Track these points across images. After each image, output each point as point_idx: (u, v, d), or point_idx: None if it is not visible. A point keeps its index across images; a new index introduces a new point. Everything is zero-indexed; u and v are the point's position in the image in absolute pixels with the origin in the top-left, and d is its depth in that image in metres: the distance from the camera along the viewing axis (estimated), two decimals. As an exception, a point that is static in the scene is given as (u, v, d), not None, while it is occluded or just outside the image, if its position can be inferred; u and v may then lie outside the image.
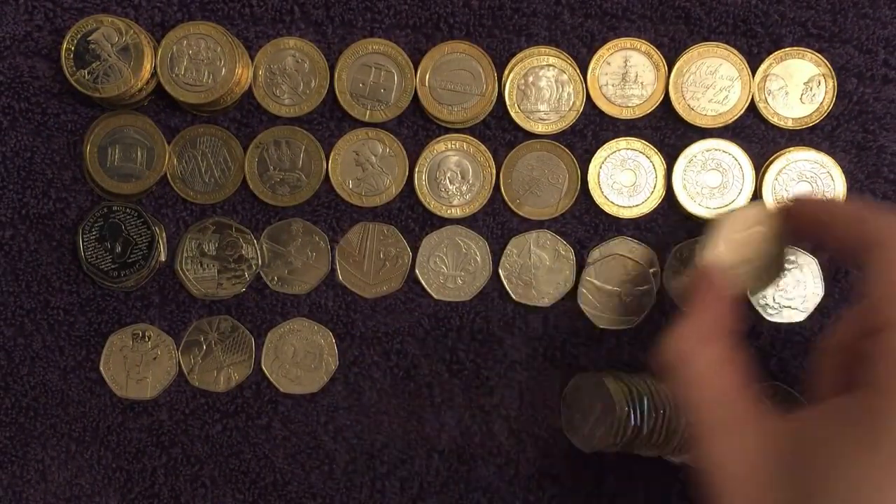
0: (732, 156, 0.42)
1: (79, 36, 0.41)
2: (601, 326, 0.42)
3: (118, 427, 0.43)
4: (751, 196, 0.42)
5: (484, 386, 0.43)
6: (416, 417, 0.43)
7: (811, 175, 0.42)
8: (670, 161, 0.42)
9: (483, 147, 0.42)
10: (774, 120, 0.42)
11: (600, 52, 0.42)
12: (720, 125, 0.42)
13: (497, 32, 0.42)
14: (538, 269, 0.42)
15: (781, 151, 0.42)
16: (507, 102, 0.42)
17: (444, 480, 0.43)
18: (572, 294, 0.42)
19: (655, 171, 0.42)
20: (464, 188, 0.42)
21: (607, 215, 0.43)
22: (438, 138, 0.43)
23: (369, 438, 0.43)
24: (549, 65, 0.42)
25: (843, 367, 0.31)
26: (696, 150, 0.42)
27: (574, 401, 0.42)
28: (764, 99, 0.42)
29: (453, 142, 0.43)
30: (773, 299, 0.42)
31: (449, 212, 0.42)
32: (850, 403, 0.27)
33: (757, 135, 0.43)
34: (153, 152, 0.42)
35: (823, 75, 0.42)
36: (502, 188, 0.43)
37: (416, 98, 0.42)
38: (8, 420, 0.43)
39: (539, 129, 0.42)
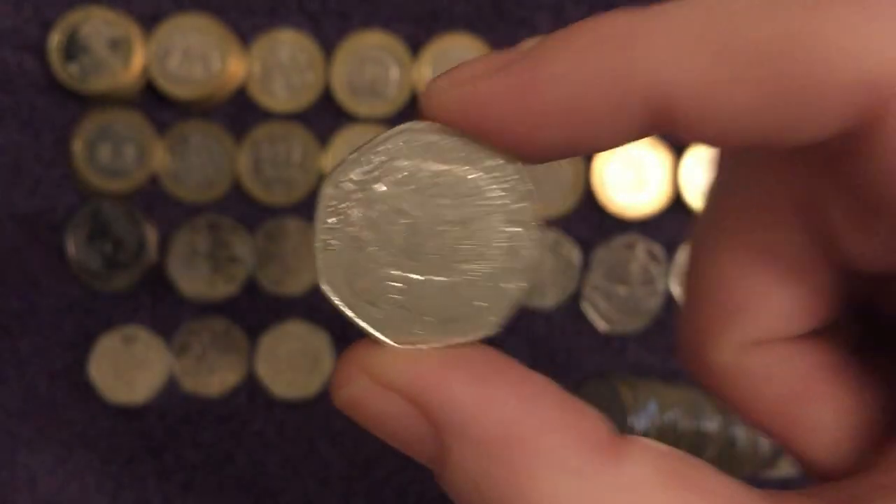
0: (741, 153, 0.42)
1: (68, 29, 0.40)
2: (606, 328, 0.42)
3: (108, 432, 0.42)
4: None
5: (485, 390, 0.42)
6: (415, 422, 0.42)
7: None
8: (676, 158, 0.42)
9: (484, 143, 0.42)
10: (784, 116, 0.42)
11: (605, 45, 0.42)
12: (728, 121, 0.42)
13: (499, 25, 0.42)
14: (541, 270, 0.42)
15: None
16: (509, 98, 0.42)
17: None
18: (576, 295, 0.42)
19: (661, 168, 0.42)
20: (464, 186, 0.42)
21: (612, 214, 0.42)
22: (438, 134, 0.42)
23: (366, 444, 0.42)
24: (553, 59, 0.42)
25: None
26: (703, 147, 0.42)
27: (578, 405, 0.41)
28: (773, 94, 0.42)
29: (453, 138, 0.42)
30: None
31: (449, 210, 0.42)
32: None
33: (766, 131, 0.42)
34: (144, 149, 0.41)
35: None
36: (504, 186, 0.42)
37: (415, 93, 0.42)
38: (-6, 425, 0.42)
39: (542, 125, 0.42)
